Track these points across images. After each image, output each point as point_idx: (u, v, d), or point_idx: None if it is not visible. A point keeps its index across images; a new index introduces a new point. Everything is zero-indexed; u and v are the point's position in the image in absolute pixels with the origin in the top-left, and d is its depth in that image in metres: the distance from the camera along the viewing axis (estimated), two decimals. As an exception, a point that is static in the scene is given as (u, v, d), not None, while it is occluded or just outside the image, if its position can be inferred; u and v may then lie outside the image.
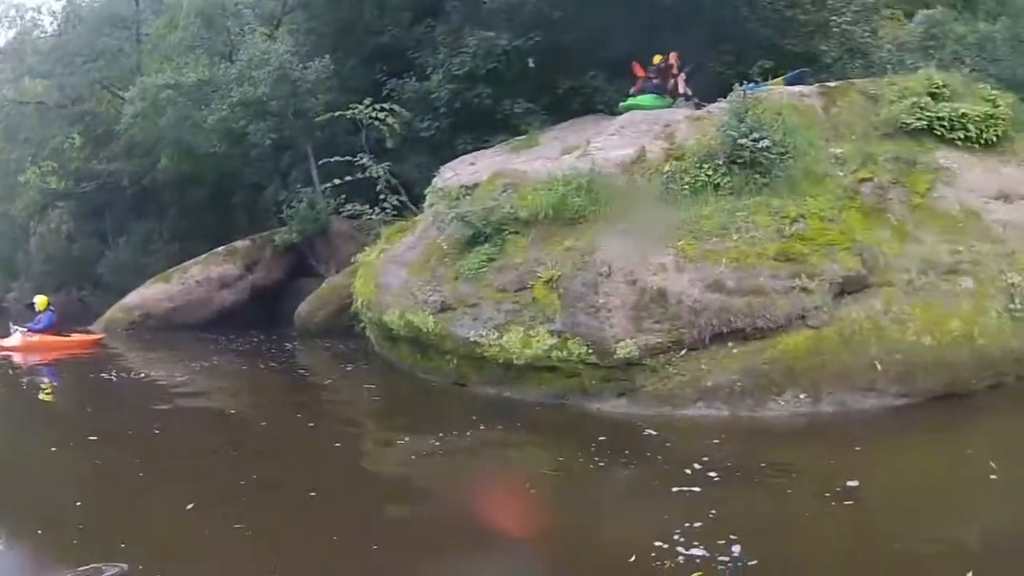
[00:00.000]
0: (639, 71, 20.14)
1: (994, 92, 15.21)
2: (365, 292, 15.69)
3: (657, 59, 20.49)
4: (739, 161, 13.33)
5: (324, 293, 22.44)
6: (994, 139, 14.32)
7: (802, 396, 11.03)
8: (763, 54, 21.15)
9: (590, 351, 11.67)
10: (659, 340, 11.47)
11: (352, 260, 19.97)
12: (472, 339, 12.78)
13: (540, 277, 12.58)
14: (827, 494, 7.96)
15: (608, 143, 15.56)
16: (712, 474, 8.69)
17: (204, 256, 26.94)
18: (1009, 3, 22.99)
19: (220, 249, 27.24)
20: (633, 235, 12.58)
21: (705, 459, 9.09)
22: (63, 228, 41.46)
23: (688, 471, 8.73)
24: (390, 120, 20.52)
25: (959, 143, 14.19)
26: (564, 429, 11.48)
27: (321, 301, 22.25)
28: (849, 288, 11.76)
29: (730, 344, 11.37)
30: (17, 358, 21.00)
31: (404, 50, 25.36)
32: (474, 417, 11.97)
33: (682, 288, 11.61)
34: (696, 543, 6.78)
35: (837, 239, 12.18)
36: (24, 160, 37.14)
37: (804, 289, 11.41)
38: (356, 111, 20.80)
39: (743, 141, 13.18)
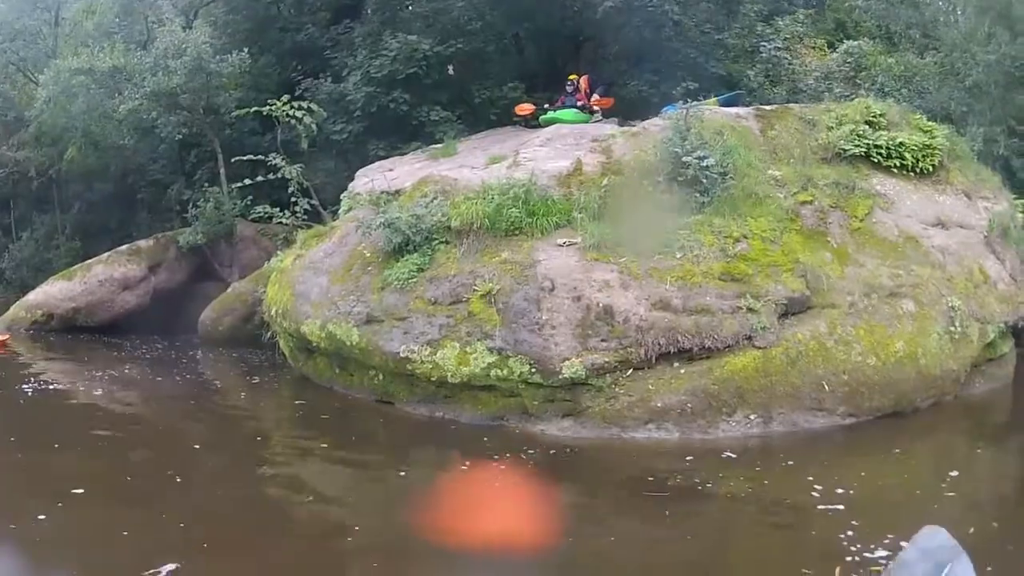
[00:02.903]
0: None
1: (930, 123, 15.39)
2: (279, 300, 14.66)
3: (572, 77, 20.43)
4: (680, 179, 13.01)
5: (229, 299, 21.37)
6: (930, 168, 14.57)
7: (752, 417, 10.89)
8: (685, 75, 20.99)
9: (533, 370, 11.12)
10: (606, 359, 11.00)
11: (260, 265, 19.29)
12: (402, 354, 12.01)
13: (476, 290, 11.91)
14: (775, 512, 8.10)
15: (538, 154, 14.98)
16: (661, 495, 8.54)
17: (107, 255, 25.53)
18: (938, 38, 23.14)
19: (123, 248, 25.80)
20: (574, 249, 12.06)
21: (651, 480, 9.05)
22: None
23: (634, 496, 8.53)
24: (307, 119, 19.70)
25: (895, 171, 14.36)
26: (506, 452, 10.58)
27: (226, 308, 21.16)
28: (793, 309, 11.65)
29: (676, 364, 11.06)
30: None
31: (321, 50, 24.89)
32: (402, 437, 11.49)
33: (628, 306, 11.18)
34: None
35: (780, 260, 12.02)
36: (-75, 142, 35.42)
37: (750, 309, 11.24)
38: (273, 108, 19.90)
39: (687, 159, 12.85)
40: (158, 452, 11.38)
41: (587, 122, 18.66)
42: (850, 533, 7.53)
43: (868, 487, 9.09)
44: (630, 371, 11.04)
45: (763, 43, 23.81)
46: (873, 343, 11.50)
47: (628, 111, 20.04)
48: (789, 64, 23.81)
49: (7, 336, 22.48)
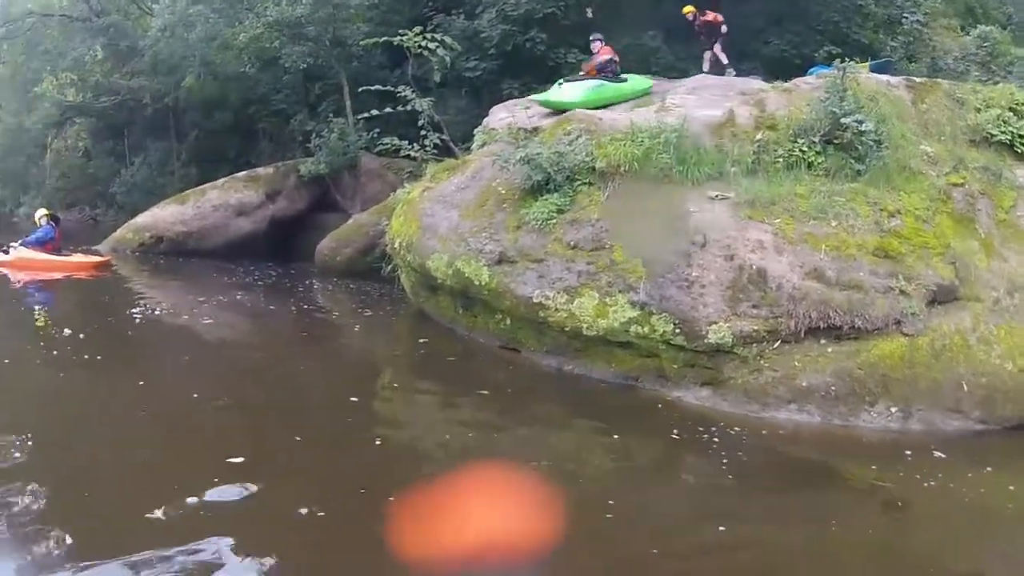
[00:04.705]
0: (604, 51, 17.53)
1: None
2: (405, 232, 14.00)
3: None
4: (835, 141, 12.18)
5: (350, 230, 21.02)
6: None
7: (893, 410, 9.80)
8: (826, 39, 20.40)
9: (677, 330, 10.27)
10: (754, 327, 10.09)
11: (383, 199, 18.98)
12: (535, 300, 11.27)
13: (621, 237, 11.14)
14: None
15: (687, 101, 14.13)
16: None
17: (223, 181, 25.60)
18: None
19: (241, 175, 25.90)
20: (726, 204, 11.28)
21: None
22: (80, 145, 40.58)
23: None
24: (440, 51, 19.31)
25: (1038, 164, 13.08)
26: (635, 417, 9.86)
27: (346, 238, 20.82)
28: (941, 298, 10.59)
29: (823, 341, 10.11)
30: (8, 274, 20.00)
31: (454, -15, 24.26)
32: (525, 388, 10.77)
33: (782, 271, 10.33)
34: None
35: (931, 243, 11.05)
36: (42, 71, 35.73)
37: (902, 292, 10.29)
38: (405, 39, 19.52)
39: (845, 120, 12.00)
40: (267, 383, 11.08)
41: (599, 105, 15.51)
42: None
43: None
44: (777, 343, 10.14)
45: (905, 14, 22.91)
46: (1012, 346, 10.35)
47: (769, 70, 19.40)
48: (930, 40, 22.97)
49: (109, 257, 22.56)
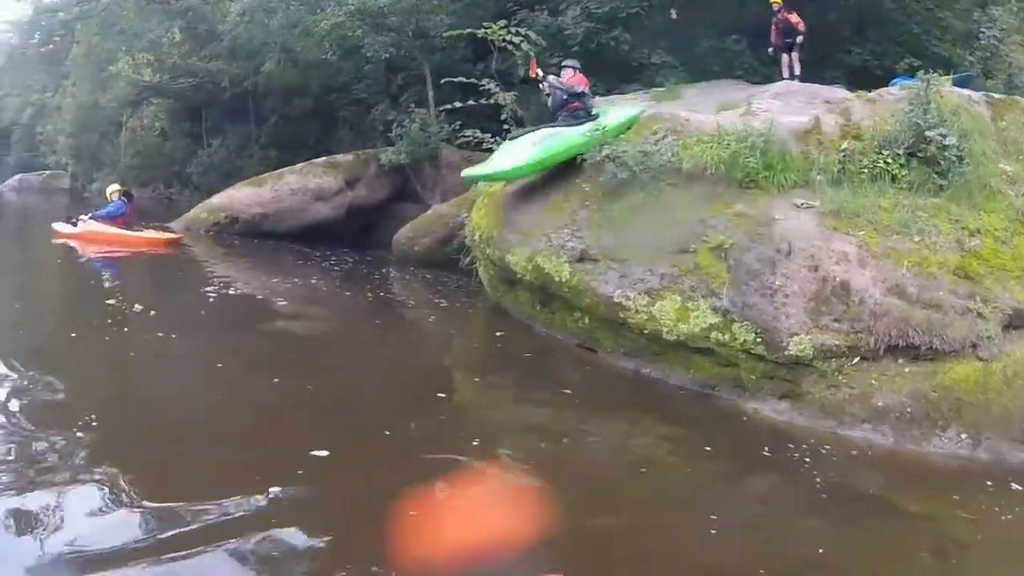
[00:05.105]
0: (576, 80, 15.13)
1: None
2: (485, 225, 14.13)
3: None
4: (919, 154, 12.02)
5: (429, 220, 21.13)
6: None
7: (963, 436, 9.33)
8: (906, 51, 20.37)
9: (758, 339, 10.14)
10: (835, 342, 9.92)
11: (463, 191, 19.04)
12: (616, 299, 11.22)
13: (706, 241, 11.04)
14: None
15: (773, 107, 14.11)
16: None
17: (301, 165, 26.01)
18: None
19: (320, 160, 26.32)
20: (812, 213, 11.22)
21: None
22: (156, 125, 41.21)
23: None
24: (525, 46, 19.44)
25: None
26: (721, 429, 9.72)
27: (424, 228, 20.91)
28: (1016, 322, 10.30)
29: (901, 361, 9.86)
30: (76, 246, 20.36)
31: (539, -21, 24.29)
32: (605, 390, 10.78)
33: (865, 285, 10.18)
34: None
35: (1009, 265, 10.81)
36: (117, 52, 36.54)
37: (979, 314, 10.00)
38: (489, 32, 19.64)
39: (930, 133, 11.87)
40: (349, 371, 11.22)
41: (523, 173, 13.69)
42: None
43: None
44: (856, 359, 9.94)
45: (982, 29, 22.80)
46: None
47: (851, 80, 19.35)
48: (1007, 56, 22.81)
49: (182, 235, 22.91)
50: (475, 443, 8.58)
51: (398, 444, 8.38)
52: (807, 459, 8.84)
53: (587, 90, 15.02)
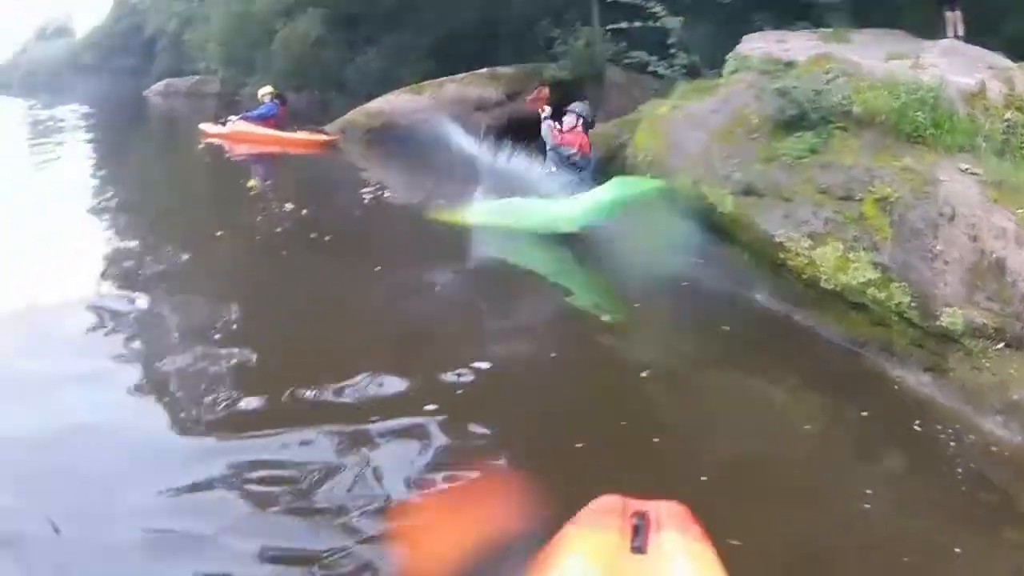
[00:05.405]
0: (571, 137, 15.01)
1: None
2: (650, 147, 13.87)
3: None
4: (1076, 134, 11.30)
5: (591, 137, 21.01)
6: None
7: None
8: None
9: (913, 303, 9.64)
10: (985, 321, 9.22)
11: (625, 112, 18.90)
12: (778, 238, 10.93)
13: (872, 192, 10.55)
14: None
15: (940, 64, 13.25)
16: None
17: (462, 76, 26.10)
18: None
19: (482, 70, 26.39)
20: (974, 180, 10.52)
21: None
22: (311, 33, 41.42)
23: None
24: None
25: None
26: (871, 393, 9.22)
27: (586, 145, 20.81)
28: None
29: None
30: (225, 146, 20.57)
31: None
32: (748, 331, 10.55)
33: (1019, 267, 9.45)
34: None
35: None
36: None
37: None
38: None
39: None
40: (488, 285, 11.43)
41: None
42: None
43: None
44: (1000, 345, 9.14)
45: None
46: None
47: (1009, 49, 18.46)
48: None
49: (336, 136, 23.04)
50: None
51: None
52: (952, 443, 8.38)
53: (578, 151, 14.81)
